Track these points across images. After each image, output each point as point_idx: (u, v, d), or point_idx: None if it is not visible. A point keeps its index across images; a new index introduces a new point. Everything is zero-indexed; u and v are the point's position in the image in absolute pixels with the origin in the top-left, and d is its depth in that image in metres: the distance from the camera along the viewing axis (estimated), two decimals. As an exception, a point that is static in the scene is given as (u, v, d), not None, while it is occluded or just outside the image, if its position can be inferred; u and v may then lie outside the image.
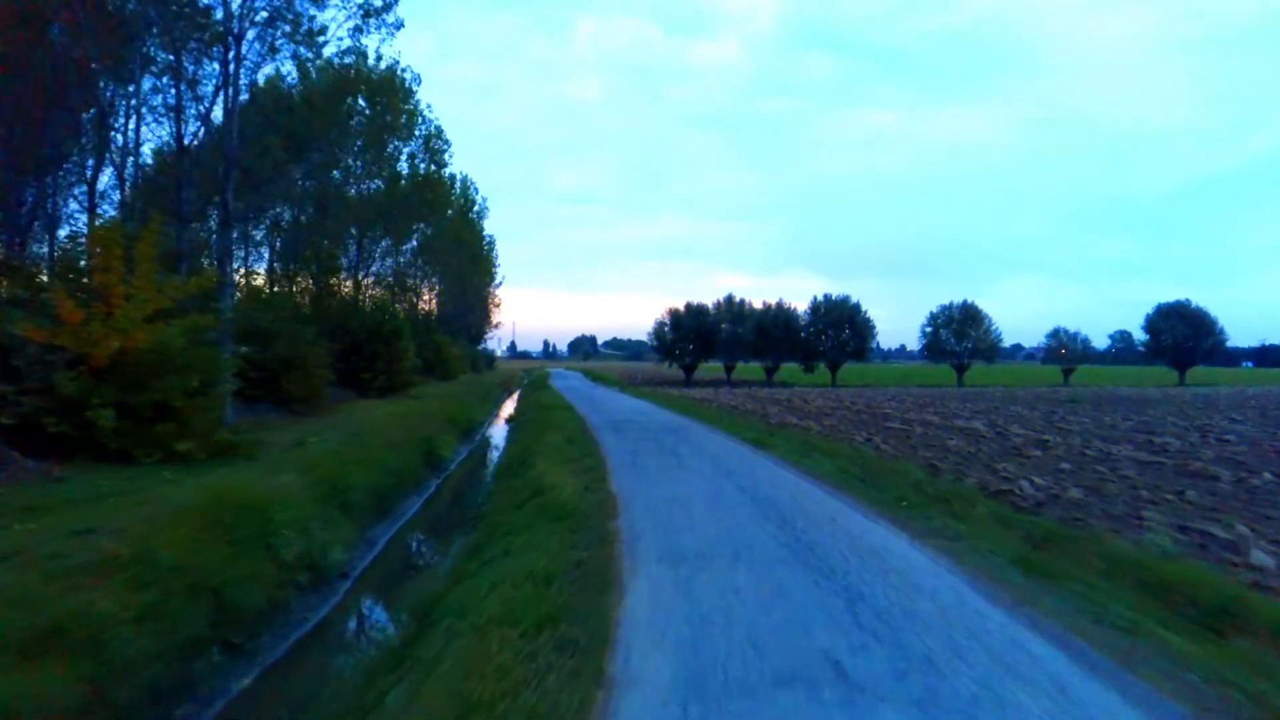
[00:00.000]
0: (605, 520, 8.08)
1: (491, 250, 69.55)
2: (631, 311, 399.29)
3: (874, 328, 56.05)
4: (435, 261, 53.85)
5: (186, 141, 17.99)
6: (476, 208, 56.11)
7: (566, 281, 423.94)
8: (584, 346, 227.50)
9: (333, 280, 30.05)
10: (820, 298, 56.73)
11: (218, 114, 17.78)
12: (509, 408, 38.62)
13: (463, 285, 60.54)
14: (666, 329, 57.73)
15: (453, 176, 53.91)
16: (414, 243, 50.93)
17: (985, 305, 59.13)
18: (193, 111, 18.25)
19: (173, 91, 17.71)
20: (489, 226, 70.42)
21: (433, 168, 35.70)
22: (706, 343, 57.25)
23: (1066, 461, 12.55)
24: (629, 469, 11.83)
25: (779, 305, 56.49)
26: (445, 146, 35.81)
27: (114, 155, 19.76)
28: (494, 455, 20.39)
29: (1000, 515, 8.23)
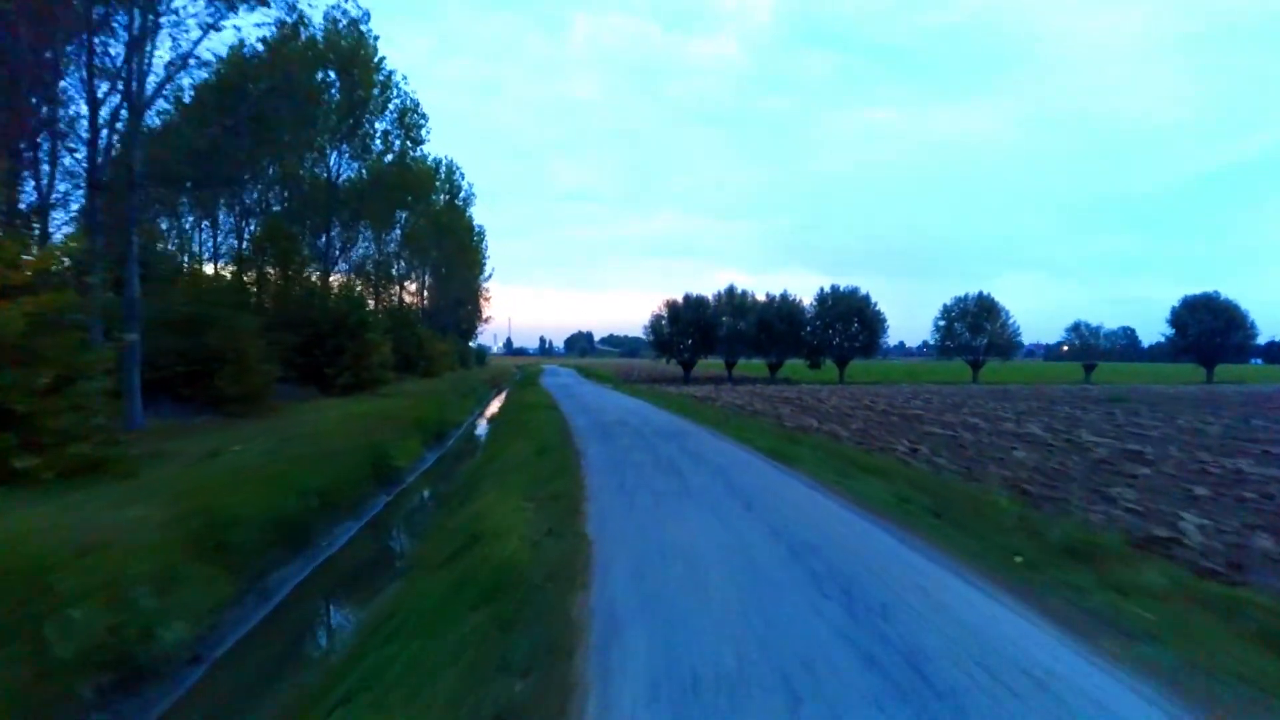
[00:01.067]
0: (566, 596, 5.09)
1: (481, 241, 66.54)
2: (629, 309, 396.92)
3: (885, 322, 53.14)
4: (420, 251, 50.80)
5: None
6: (463, 194, 52.99)
7: (564, 279, 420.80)
8: (580, 343, 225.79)
9: (294, 267, 26.87)
10: (827, 289, 53.76)
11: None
12: (494, 407, 35.66)
13: (450, 277, 57.44)
14: (664, 322, 54.29)
15: (438, 161, 50.90)
16: (397, 232, 48.03)
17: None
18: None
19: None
20: (478, 217, 67.58)
21: (408, 144, 32.49)
22: (706, 337, 54.18)
23: (1195, 484, 9.56)
24: (614, 496, 8.84)
25: (783, 298, 53.39)
26: (422, 122, 32.74)
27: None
28: (463, 465, 17.40)
29: (1191, 589, 5.25)
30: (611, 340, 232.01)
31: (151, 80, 14.15)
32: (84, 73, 14.30)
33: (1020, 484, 9.61)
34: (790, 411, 21.77)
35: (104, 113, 14.45)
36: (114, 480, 9.54)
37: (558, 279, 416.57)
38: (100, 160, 14.13)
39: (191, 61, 14.33)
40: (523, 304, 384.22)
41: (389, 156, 32.30)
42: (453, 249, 55.40)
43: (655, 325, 55.07)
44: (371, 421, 18.74)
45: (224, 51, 17.00)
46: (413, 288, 54.11)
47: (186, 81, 17.72)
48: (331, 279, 31.93)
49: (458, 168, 51.30)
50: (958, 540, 6.71)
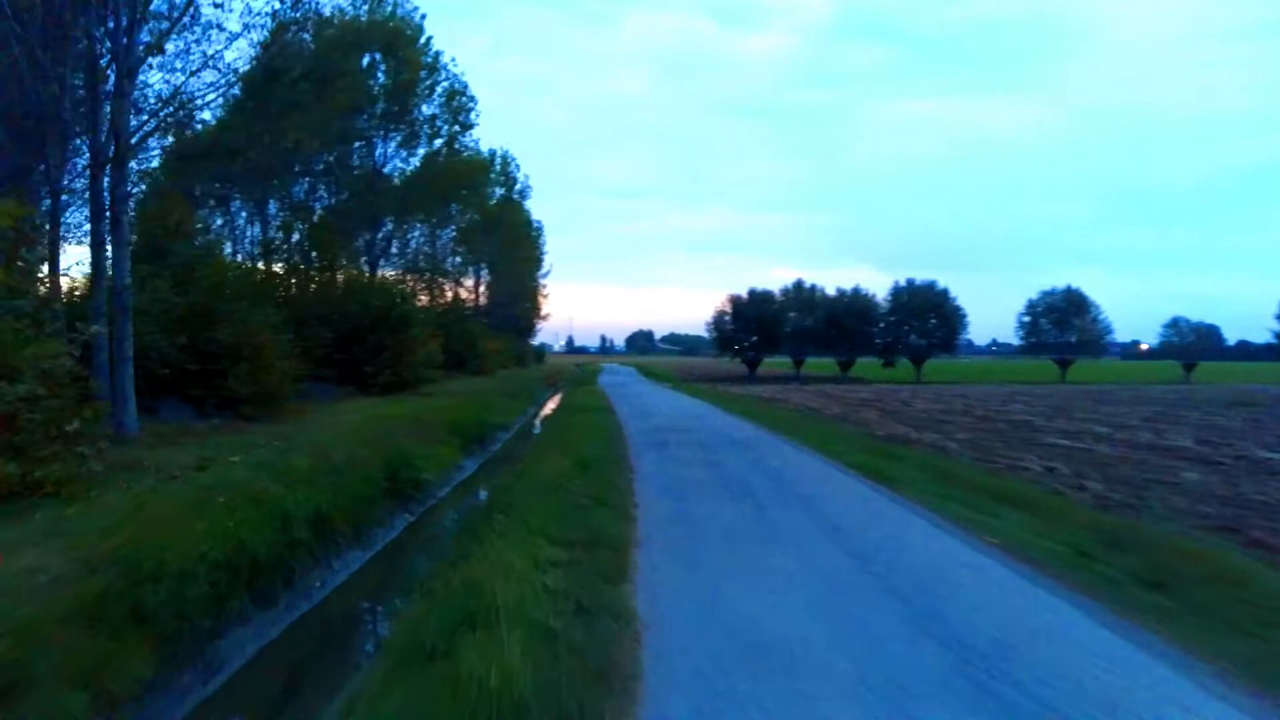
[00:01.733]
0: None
1: (539, 236, 64.99)
2: (688, 306, 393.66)
3: (965, 317, 49.38)
4: (475, 246, 49.38)
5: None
6: (519, 187, 51.26)
7: (623, 276, 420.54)
8: (640, 341, 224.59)
9: (329, 257, 25.31)
10: (902, 283, 50.15)
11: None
12: (547, 408, 33.76)
13: (505, 272, 55.92)
14: (727, 319, 51.50)
15: (492, 153, 49.42)
16: (452, 229, 46.64)
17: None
18: None
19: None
20: (534, 211, 66.04)
21: (456, 129, 30.75)
22: (771, 334, 51.24)
23: None
24: (673, 538, 6.54)
25: (855, 292, 49.96)
26: (470, 105, 30.96)
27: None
28: (496, 481, 15.36)
29: None
30: (672, 338, 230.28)
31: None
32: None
33: (1236, 527, 6.88)
34: (875, 416, 19.03)
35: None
36: (53, 503, 7.67)
37: (617, 277, 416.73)
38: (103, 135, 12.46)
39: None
40: (583, 302, 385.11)
41: (437, 141, 30.54)
42: (508, 243, 53.88)
43: (718, 322, 52.38)
44: (403, 425, 16.89)
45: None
46: (469, 284, 52.67)
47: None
48: (381, 275, 30.37)
49: (513, 159, 49.72)
50: (1230, 648, 4.14)
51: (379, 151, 31.30)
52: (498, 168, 49.12)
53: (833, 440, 13.50)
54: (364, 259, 31.20)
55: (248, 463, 10.84)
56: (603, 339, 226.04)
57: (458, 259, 49.15)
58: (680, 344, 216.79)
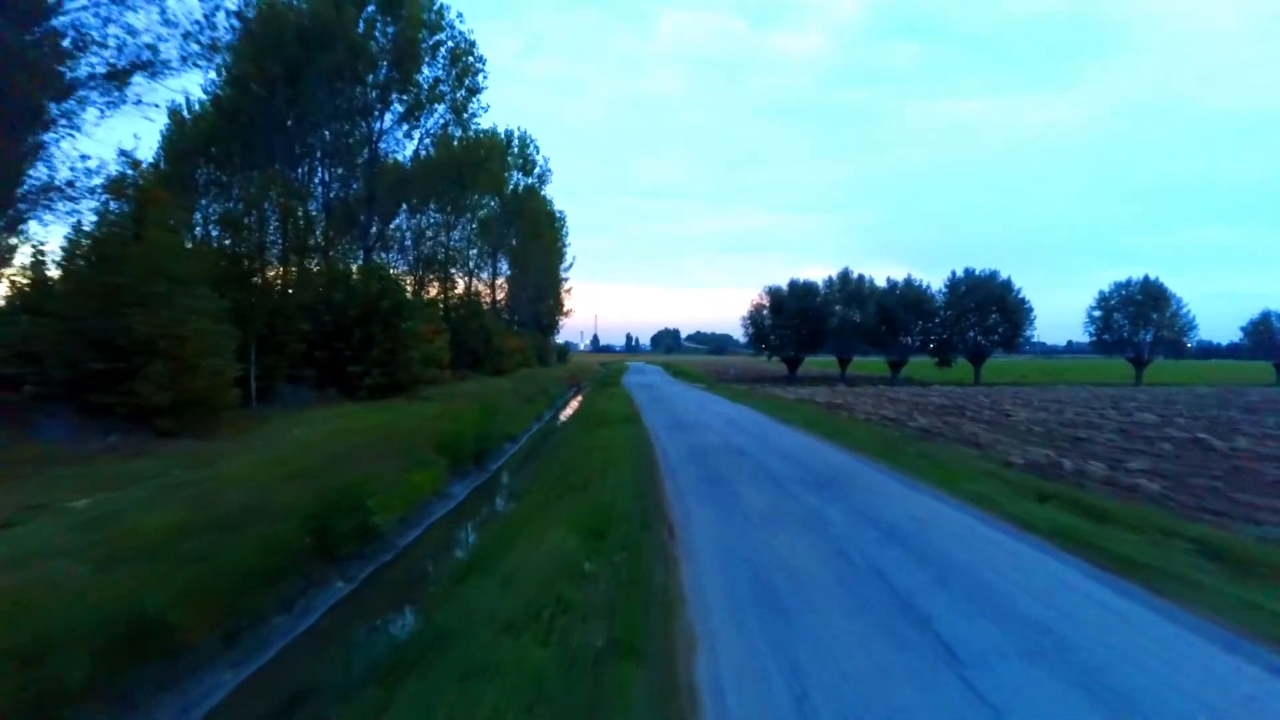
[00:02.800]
0: None
1: (561, 227, 61.07)
2: (714, 305, 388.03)
3: (1031, 311, 44.49)
4: (493, 236, 45.60)
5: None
6: (538, 171, 47.24)
7: (650, 276, 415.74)
8: (666, 340, 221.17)
9: (299, 226, 21.50)
10: (960, 273, 45.18)
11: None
12: (566, 413, 29.89)
13: (526, 266, 52.04)
14: (765, 313, 47.17)
15: (509, 134, 45.63)
16: (467, 217, 42.98)
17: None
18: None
19: None
20: (562, 209, 62.27)
21: (462, 94, 26.84)
22: (815, 330, 46.25)
23: None
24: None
25: (907, 283, 45.17)
26: (479, 67, 26.98)
27: None
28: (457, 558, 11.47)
29: None
30: (698, 337, 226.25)
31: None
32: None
33: None
34: (982, 431, 14.76)
35: None
36: None
37: (643, 276, 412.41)
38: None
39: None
40: (609, 301, 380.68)
41: (439, 107, 26.65)
42: (529, 234, 50.05)
43: (754, 317, 47.67)
44: (378, 441, 13.12)
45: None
46: (485, 278, 48.80)
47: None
48: (375, 262, 26.58)
49: (532, 141, 45.82)
50: None
51: (377, 126, 27.42)
52: (515, 150, 45.36)
53: (965, 474, 9.36)
54: (359, 246, 27.47)
55: (82, 517, 7.04)
56: (628, 337, 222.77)
57: (474, 250, 45.48)
58: (707, 343, 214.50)
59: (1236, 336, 61.21)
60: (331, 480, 9.92)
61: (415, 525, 10.61)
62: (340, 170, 28.17)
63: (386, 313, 21.33)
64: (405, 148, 28.74)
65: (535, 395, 30.54)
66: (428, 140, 28.74)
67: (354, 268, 23.70)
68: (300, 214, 22.52)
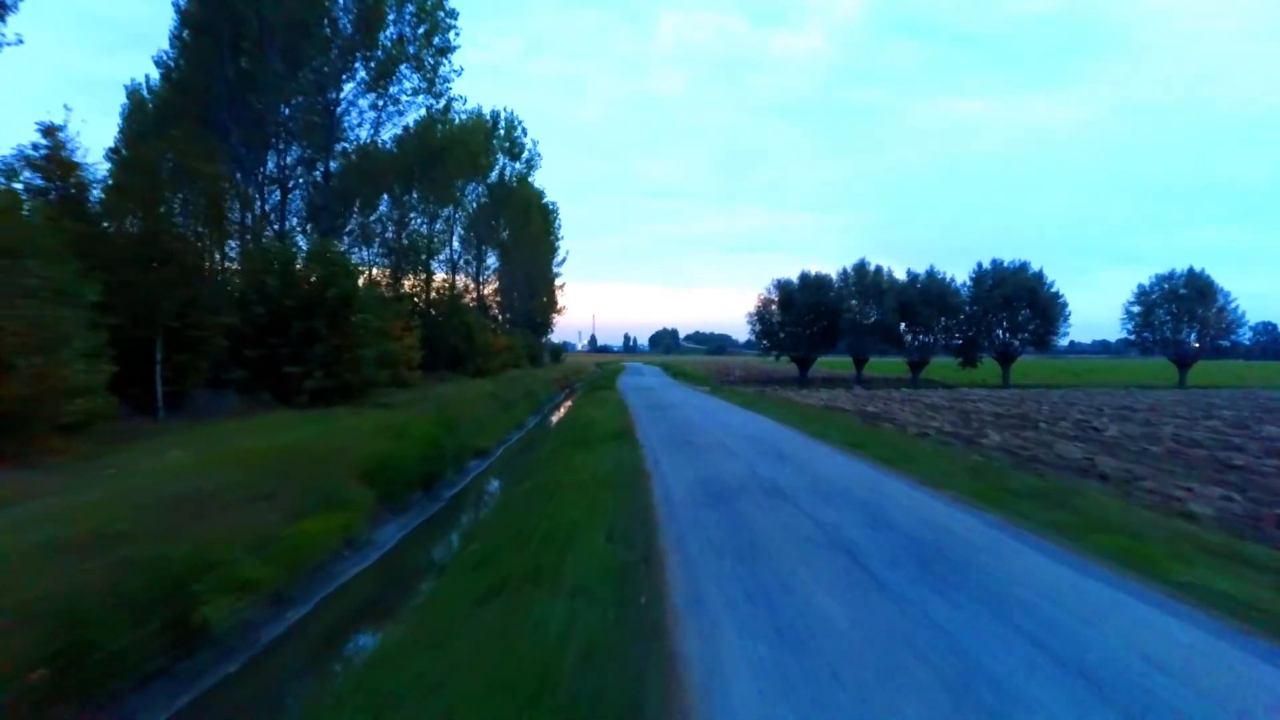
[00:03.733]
0: None
1: (554, 219, 57.34)
2: (714, 306, 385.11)
3: (1066, 306, 40.36)
4: (479, 226, 41.92)
5: None
6: (526, 155, 43.43)
7: (649, 276, 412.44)
8: (665, 340, 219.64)
9: (207, 182, 17.71)
10: (987, 265, 40.82)
11: None
12: (553, 420, 26.33)
13: (515, 259, 48.27)
14: (773, 309, 43.31)
15: (495, 114, 41.91)
16: (451, 209, 39.47)
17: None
18: None
19: None
20: (550, 194, 58.45)
21: (430, 56, 23.21)
22: (828, 327, 42.07)
23: None
24: None
25: (930, 275, 40.66)
26: (450, 23, 23.37)
27: None
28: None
29: None
30: (697, 337, 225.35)
31: None
32: None
33: None
34: (1080, 450, 11.17)
35: None
36: None
37: (642, 276, 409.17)
38: None
39: None
40: (607, 301, 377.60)
41: (408, 72, 23.08)
42: (517, 225, 46.38)
43: (761, 313, 43.70)
44: (278, 469, 9.56)
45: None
46: (481, 273, 45.00)
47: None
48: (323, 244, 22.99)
49: (520, 123, 42.07)
50: None
51: (335, 96, 23.78)
52: (501, 133, 41.67)
53: (1156, 543, 5.75)
54: (317, 233, 23.90)
55: None
56: (626, 338, 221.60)
57: (457, 242, 41.77)
58: (705, 343, 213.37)
59: (1245, 336, 58.21)
60: (160, 545, 6.38)
61: (285, 612, 7.01)
62: (306, 151, 24.70)
63: (333, 303, 17.71)
64: (374, 125, 25.26)
65: (519, 400, 26.91)
66: (394, 112, 25.21)
67: (297, 252, 20.02)
68: (230, 185, 18.95)
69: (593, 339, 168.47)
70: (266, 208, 24.02)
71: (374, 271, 33.22)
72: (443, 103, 26.72)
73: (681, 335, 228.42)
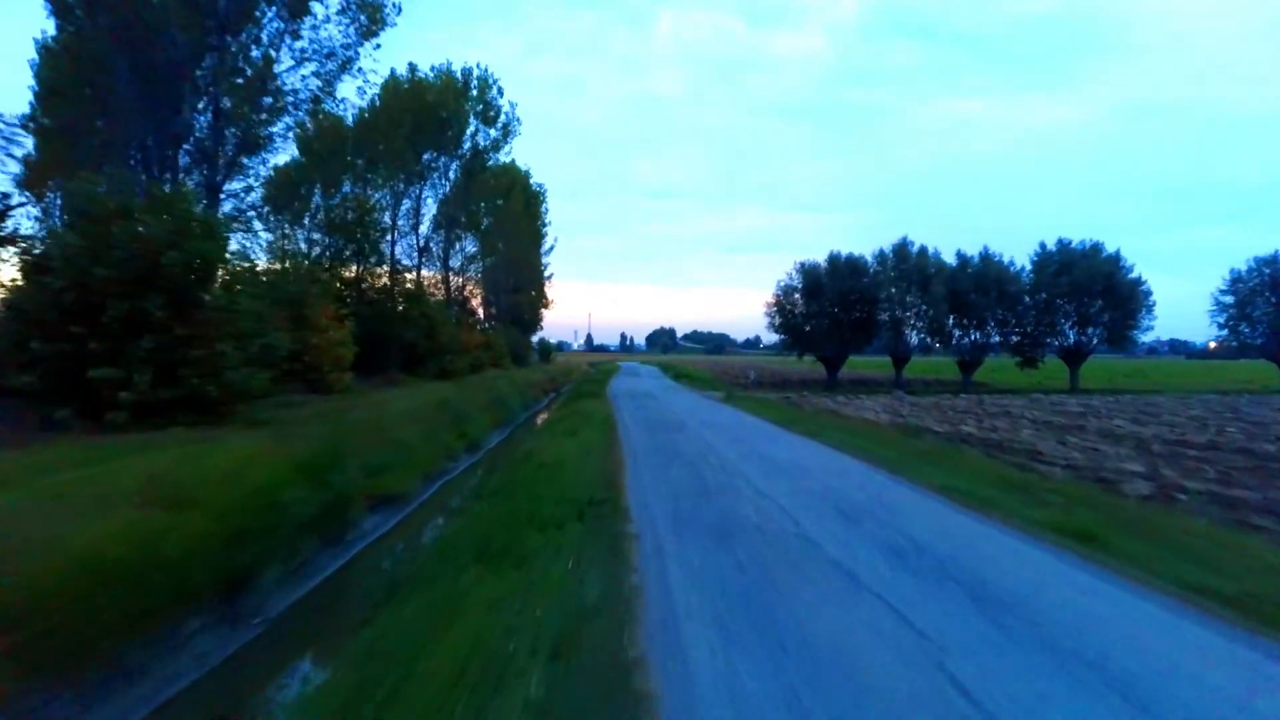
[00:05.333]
0: None
1: (540, 203, 51.13)
2: (713, 305, 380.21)
3: (1149, 296, 33.39)
4: (450, 205, 35.67)
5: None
6: (502, 120, 36.82)
7: (647, 275, 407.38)
8: (663, 339, 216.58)
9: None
10: (1052, 246, 33.95)
11: None
12: (517, 440, 20.18)
13: (494, 245, 41.99)
14: (796, 297, 36.18)
15: (467, 71, 35.61)
16: (419, 187, 33.55)
17: None
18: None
19: None
20: (542, 183, 52.10)
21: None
22: (862, 319, 34.77)
23: None
24: None
25: (984, 258, 33.86)
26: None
27: None
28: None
29: None
30: (695, 336, 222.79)
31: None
32: None
33: None
34: None
35: None
36: None
37: (640, 276, 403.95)
38: None
39: None
40: (604, 301, 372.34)
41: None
42: (498, 207, 40.16)
43: (781, 303, 36.59)
44: None
45: None
46: (448, 259, 38.57)
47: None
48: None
49: (495, 81, 35.59)
50: None
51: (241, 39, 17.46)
52: (475, 93, 35.36)
53: None
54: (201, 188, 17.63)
55: None
56: (623, 337, 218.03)
57: (423, 226, 35.42)
58: (704, 342, 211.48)
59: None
60: None
61: None
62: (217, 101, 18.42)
63: (175, 275, 11.55)
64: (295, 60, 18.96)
65: (478, 412, 20.64)
66: (323, 57, 18.89)
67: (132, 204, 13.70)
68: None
69: (589, 338, 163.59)
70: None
71: (310, 260, 27.22)
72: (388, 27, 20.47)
73: (679, 334, 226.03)
